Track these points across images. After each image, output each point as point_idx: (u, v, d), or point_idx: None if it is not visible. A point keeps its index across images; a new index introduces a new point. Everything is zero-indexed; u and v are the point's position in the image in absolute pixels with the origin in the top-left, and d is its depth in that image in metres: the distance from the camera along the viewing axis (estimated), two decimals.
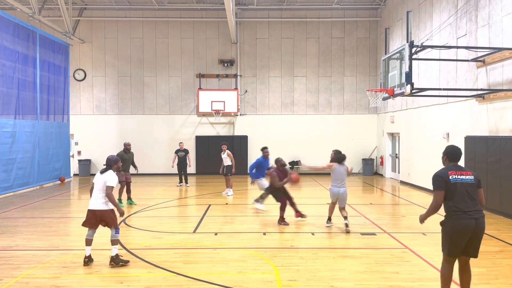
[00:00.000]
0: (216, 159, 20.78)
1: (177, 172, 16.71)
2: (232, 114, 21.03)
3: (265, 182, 11.19)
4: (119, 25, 21.22)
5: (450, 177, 4.79)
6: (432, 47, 11.57)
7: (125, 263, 6.59)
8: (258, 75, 21.42)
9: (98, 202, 6.56)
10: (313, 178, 19.50)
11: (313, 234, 8.73)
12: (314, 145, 20.99)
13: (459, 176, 4.80)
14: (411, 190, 15.57)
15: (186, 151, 16.59)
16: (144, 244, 7.92)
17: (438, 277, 6.10)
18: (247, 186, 17.15)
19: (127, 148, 12.10)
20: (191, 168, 20.82)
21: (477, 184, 4.86)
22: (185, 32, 21.27)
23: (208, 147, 21.11)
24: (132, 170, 12.34)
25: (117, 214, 6.70)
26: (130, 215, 10.69)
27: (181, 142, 16.98)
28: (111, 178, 6.61)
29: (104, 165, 6.96)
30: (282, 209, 9.66)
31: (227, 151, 14.35)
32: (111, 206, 6.62)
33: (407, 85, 10.38)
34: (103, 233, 8.84)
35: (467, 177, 4.82)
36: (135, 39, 21.27)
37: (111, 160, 6.81)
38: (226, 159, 14.28)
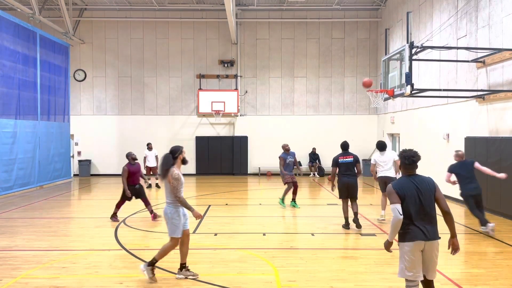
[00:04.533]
0: (216, 160, 20.95)
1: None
2: (232, 114, 21.03)
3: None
4: (119, 26, 21.23)
5: None
6: (432, 47, 11.56)
7: None
8: (258, 75, 21.42)
9: None
10: (313, 178, 19.49)
11: (312, 234, 8.73)
12: (314, 145, 20.99)
13: None
14: None
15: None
16: (144, 245, 7.92)
17: (438, 278, 6.10)
18: (247, 186, 17.15)
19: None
20: (192, 168, 20.87)
21: None
22: (186, 32, 21.28)
23: (208, 147, 21.12)
24: None
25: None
26: (130, 215, 10.68)
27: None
28: None
29: None
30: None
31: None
32: None
33: (407, 85, 10.38)
34: (102, 233, 8.87)
35: None
36: (135, 40, 21.28)
37: None
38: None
